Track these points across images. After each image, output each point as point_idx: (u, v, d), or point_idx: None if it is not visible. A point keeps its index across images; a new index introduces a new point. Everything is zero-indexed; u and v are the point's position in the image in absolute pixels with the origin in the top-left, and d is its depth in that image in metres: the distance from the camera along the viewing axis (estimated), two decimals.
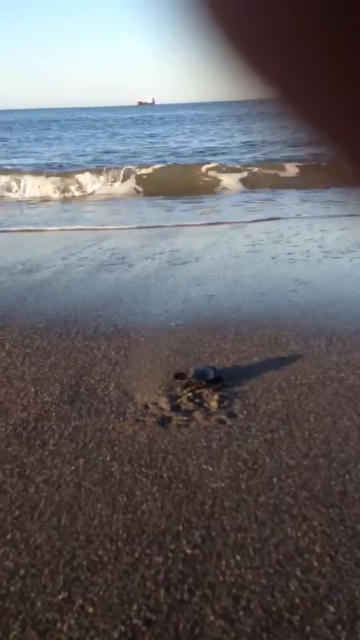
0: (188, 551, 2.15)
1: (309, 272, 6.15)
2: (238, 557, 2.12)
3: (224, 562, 2.10)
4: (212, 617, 1.86)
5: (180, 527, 2.27)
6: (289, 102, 0.28)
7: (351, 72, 0.25)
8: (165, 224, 9.25)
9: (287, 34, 0.26)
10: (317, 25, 0.25)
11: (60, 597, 1.91)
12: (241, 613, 1.88)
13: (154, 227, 9.08)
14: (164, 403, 3.30)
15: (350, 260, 6.46)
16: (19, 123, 50.18)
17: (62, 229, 9.19)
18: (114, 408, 3.22)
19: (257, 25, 0.27)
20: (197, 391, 3.44)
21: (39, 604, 1.87)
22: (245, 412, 3.21)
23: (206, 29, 0.28)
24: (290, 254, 6.87)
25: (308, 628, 1.83)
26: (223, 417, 3.16)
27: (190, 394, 3.40)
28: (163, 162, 15.95)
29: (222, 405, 3.29)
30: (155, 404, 3.30)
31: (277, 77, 0.28)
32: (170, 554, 2.13)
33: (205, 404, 3.30)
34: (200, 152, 19.37)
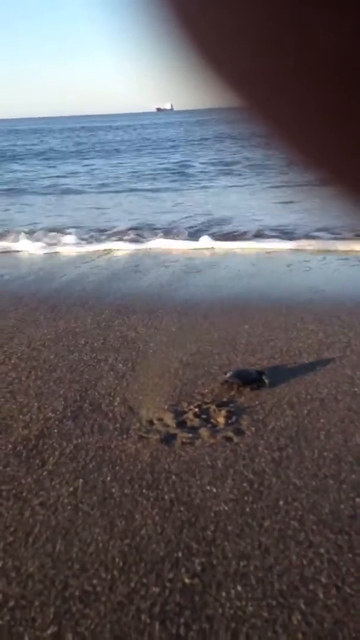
0: (187, 581, 2.05)
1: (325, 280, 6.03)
2: (239, 588, 2.02)
3: (224, 593, 1.99)
4: None
5: (180, 554, 2.17)
6: (255, 109, 0.28)
7: (317, 80, 0.25)
8: None
9: (252, 40, 0.25)
10: (282, 31, 0.24)
11: (49, 631, 1.82)
12: None
13: None
14: (169, 419, 3.21)
15: None
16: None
17: None
18: (117, 424, 3.14)
19: (221, 30, 0.26)
20: (204, 407, 3.34)
21: (26, 639, 1.79)
22: (253, 428, 3.11)
23: (168, 28, 0.27)
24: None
25: None
26: (230, 434, 3.05)
27: (197, 410, 3.31)
28: None
29: (229, 421, 3.19)
30: (161, 419, 3.20)
31: (242, 84, 0.27)
32: (167, 584, 2.03)
33: (212, 420, 3.20)
34: None
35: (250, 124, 0.28)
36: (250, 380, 3.60)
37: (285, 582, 2.05)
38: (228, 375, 3.64)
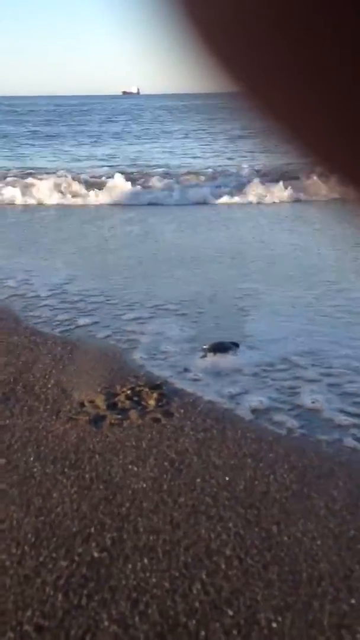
0: (95, 554, 2.12)
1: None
2: (145, 560, 2.10)
3: (130, 566, 2.07)
4: (106, 623, 1.83)
5: (92, 530, 2.24)
6: (252, 96, 0.28)
7: (314, 68, 0.25)
8: None
9: (251, 26, 0.26)
10: (281, 20, 0.25)
11: None
12: (137, 618, 1.85)
13: None
14: (100, 401, 3.26)
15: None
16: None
17: None
18: (48, 406, 3.19)
19: (221, 16, 0.27)
20: (137, 389, 3.41)
21: None
22: (182, 410, 3.19)
23: (172, 16, 0.28)
24: None
25: (203, 633, 1.81)
26: (158, 415, 3.13)
27: (129, 392, 3.37)
28: None
29: (159, 403, 3.26)
30: (92, 402, 3.26)
31: (240, 70, 0.28)
32: (76, 558, 2.10)
33: (143, 402, 3.27)
34: None
35: (248, 111, 0.28)
36: (223, 348, 3.93)
37: (190, 554, 2.13)
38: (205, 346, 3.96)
